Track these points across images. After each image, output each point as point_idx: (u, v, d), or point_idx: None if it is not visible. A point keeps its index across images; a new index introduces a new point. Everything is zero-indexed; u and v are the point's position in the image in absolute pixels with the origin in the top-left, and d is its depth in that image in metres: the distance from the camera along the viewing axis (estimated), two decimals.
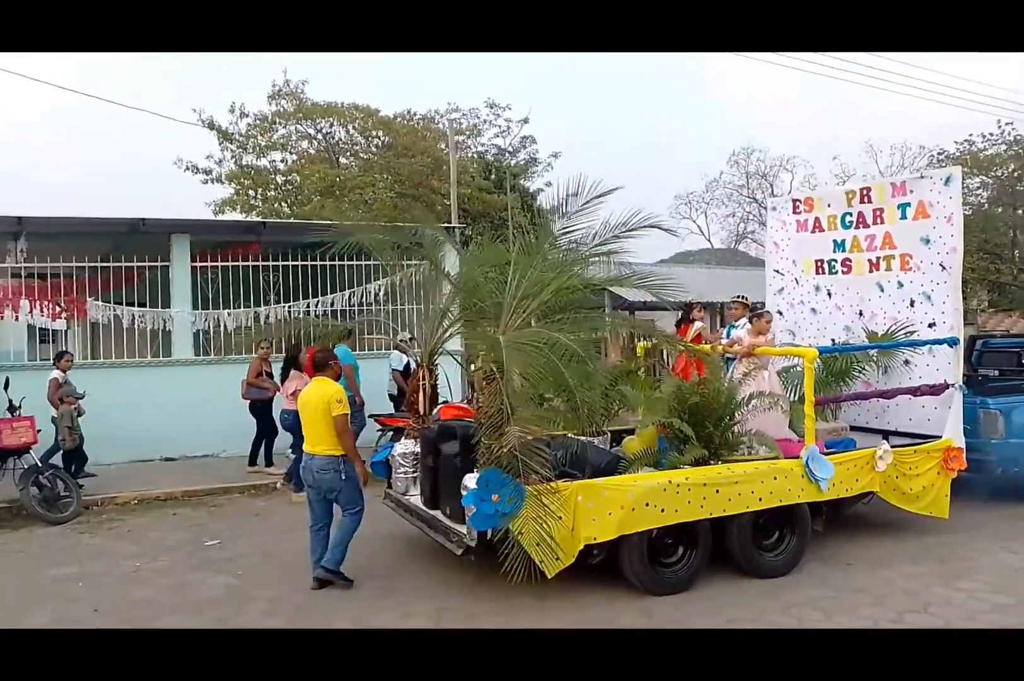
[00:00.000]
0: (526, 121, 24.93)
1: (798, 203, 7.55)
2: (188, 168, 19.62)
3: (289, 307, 10.24)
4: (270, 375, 8.31)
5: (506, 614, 4.40)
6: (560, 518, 4.26)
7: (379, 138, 21.88)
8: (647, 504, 4.57)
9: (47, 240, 9.42)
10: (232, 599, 4.75)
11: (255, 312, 10.10)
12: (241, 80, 43.55)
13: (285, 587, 4.93)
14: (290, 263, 10.15)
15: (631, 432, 5.86)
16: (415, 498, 5.50)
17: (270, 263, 10.23)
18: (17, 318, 9.27)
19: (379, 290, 10.59)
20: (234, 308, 10.07)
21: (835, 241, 7.14)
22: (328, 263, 10.26)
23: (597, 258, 5.67)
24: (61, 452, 7.38)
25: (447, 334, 6.05)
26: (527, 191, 23.50)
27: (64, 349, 7.87)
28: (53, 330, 10.89)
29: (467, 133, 23.76)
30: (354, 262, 10.37)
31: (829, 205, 7.19)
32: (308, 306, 10.34)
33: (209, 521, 6.66)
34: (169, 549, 5.81)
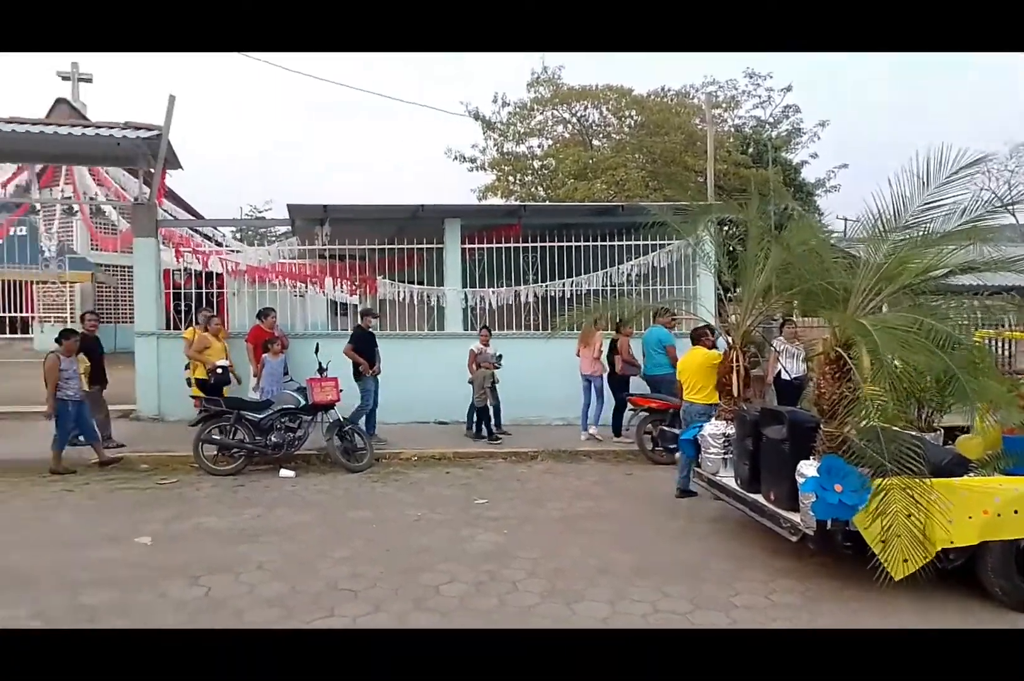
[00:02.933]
0: (788, 89, 23.22)
1: None
2: (456, 157, 21.13)
3: (546, 286, 10.69)
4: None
5: (804, 607, 4.25)
6: (910, 516, 4.00)
7: (632, 118, 21.75)
8: (1016, 511, 4.15)
9: (345, 225, 10.77)
10: (498, 556, 5.12)
11: (515, 291, 10.69)
12: (505, 73, 45.75)
13: (545, 551, 5.21)
14: (547, 244, 10.55)
15: (961, 430, 5.31)
16: (728, 479, 5.58)
17: (529, 244, 10.71)
18: (324, 293, 10.77)
19: (632, 270, 10.63)
20: (497, 287, 10.75)
21: None
22: (583, 244, 10.52)
23: (968, 238, 4.96)
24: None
25: (760, 315, 5.99)
26: (789, 164, 21.95)
27: (484, 325, 9.19)
28: (347, 304, 12.46)
29: (724, 106, 22.74)
30: (607, 243, 10.51)
31: None
32: (563, 286, 10.71)
33: (477, 482, 7.24)
34: (444, 503, 6.42)
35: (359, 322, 8.91)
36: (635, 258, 10.67)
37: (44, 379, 7.31)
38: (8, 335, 14.08)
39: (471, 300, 10.58)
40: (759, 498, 5.08)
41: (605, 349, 9.09)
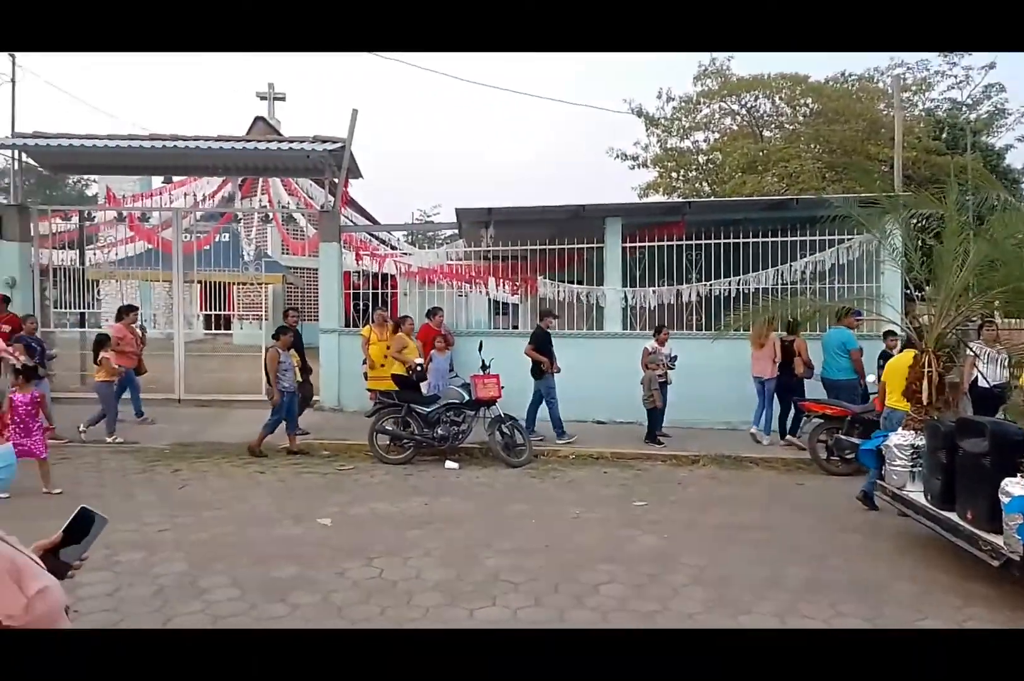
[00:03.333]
0: (991, 67, 20.84)
1: None
2: (618, 156, 20.98)
3: (711, 285, 10.34)
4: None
5: None
6: None
7: (807, 106, 20.51)
8: None
9: (508, 227, 11.04)
10: (659, 560, 5.02)
11: (677, 290, 10.44)
12: (670, 69, 44.79)
13: (710, 557, 5.04)
14: (712, 241, 10.20)
15: None
16: (915, 495, 5.22)
17: (692, 242, 10.41)
18: (487, 293, 11.11)
19: (807, 267, 10.01)
20: (658, 286, 10.54)
21: None
22: (752, 240, 10.05)
23: None
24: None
25: (958, 317, 5.47)
26: (991, 149, 19.70)
27: (662, 324, 9.18)
28: (507, 303, 12.78)
29: (913, 88, 20.82)
30: (779, 238, 9.97)
31: None
32: (730, 284, 10.30)
33: (636, 483, 7.15)
34: (602, 503, 6.40)
35: (539, 322, 9.05)
36: (809, 254, 10.05)
37: (265, 371, 8.09)
38: (212, 331, 15.79)
39: (631, 299, 10.46)
40: (953, 516, 4.68)
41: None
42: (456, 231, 15.60)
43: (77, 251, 12.54)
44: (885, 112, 19.14)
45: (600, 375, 9.46)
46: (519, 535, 5.51)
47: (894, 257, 6.54)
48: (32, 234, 10.68)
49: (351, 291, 11.53)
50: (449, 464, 7.72)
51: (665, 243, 10.36)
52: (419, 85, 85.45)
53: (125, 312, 9.49)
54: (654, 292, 10.47)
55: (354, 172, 11.12)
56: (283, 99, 20.82)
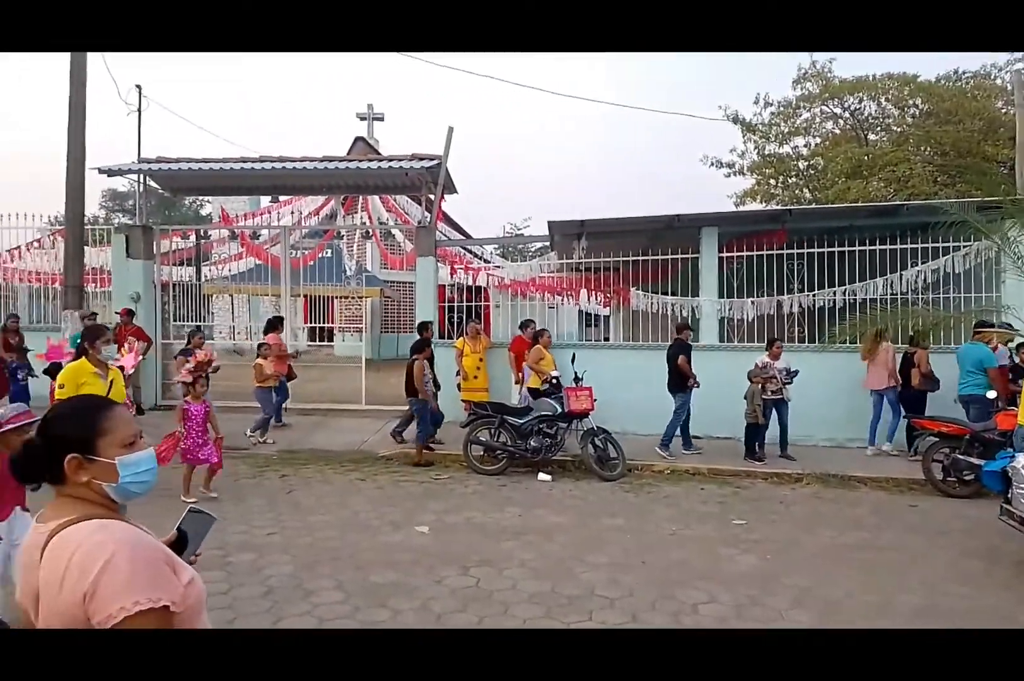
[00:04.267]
0: None
1: None
2: (713, 163, 20.58)
3: (814, 295, 9.96)
4: None
5: None
6: None
7: (916, 107, 19.50)
8: None
9: (600, 238, 11.02)
10: (760, 580, 4.85)
11: (777, 301, 10.11)
12: (767, 73, 43.69)
13: (815, 579, 4.84)
14: (815, 250, 9.83)
15: None
16: None
17: (794, 251, 10.06)
18: (578, 305, 11.12)
19: (918, 277, 9.49)
20: (756, 297, 10.25)
21: None
22: (858, 248, 9.62)
23: None
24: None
25: None
26: None
27: (774, 337, 8.91)
28: (598, 315, 12.76)
29: None
30: (888, 246, 9.50)
31: None
32: (834, 294, 9.89)
33: (735, 501, 6.95)
34: (700, 520, 6.26)
35: (678, 335, 8.91)
36: (920, 263, 9.52)
37: (413, 382, 8.35)
38: (316, 343, 16.49)
39: (727, 311, 10.21)
40: None
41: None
42: (547, 244, 15.71)
43: (193, 267, 13.43)
44: (1004, 110, 17.96)
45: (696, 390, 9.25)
46: (613, 550, 5.46)
47: (1018, 265, 6.12)
48: (154, 252, 11.49)
49: (445, 304, 11.80)
50: (542, 476, 7.74)
51: (764, 252, 10.07)
52: (509, 99, 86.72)
53: (276, 323, 10.19)
54: (752, 303, 10.18)
55: (449, 188, 11.40)
56: (381, 119, 21.62)
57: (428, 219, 11.22)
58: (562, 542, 5.61)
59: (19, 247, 11.84)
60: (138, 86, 17.77)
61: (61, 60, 9.82)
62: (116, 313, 10.69)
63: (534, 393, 8.72)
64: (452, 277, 12.21)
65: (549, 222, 11.02)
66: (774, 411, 8.45)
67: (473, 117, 73.27)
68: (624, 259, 10.56)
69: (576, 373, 8.39)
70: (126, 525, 1.47)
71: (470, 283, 12.20)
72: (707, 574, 4.96)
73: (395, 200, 18.21)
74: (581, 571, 4.98)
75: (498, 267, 14.61)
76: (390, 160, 10.96)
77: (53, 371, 7.61)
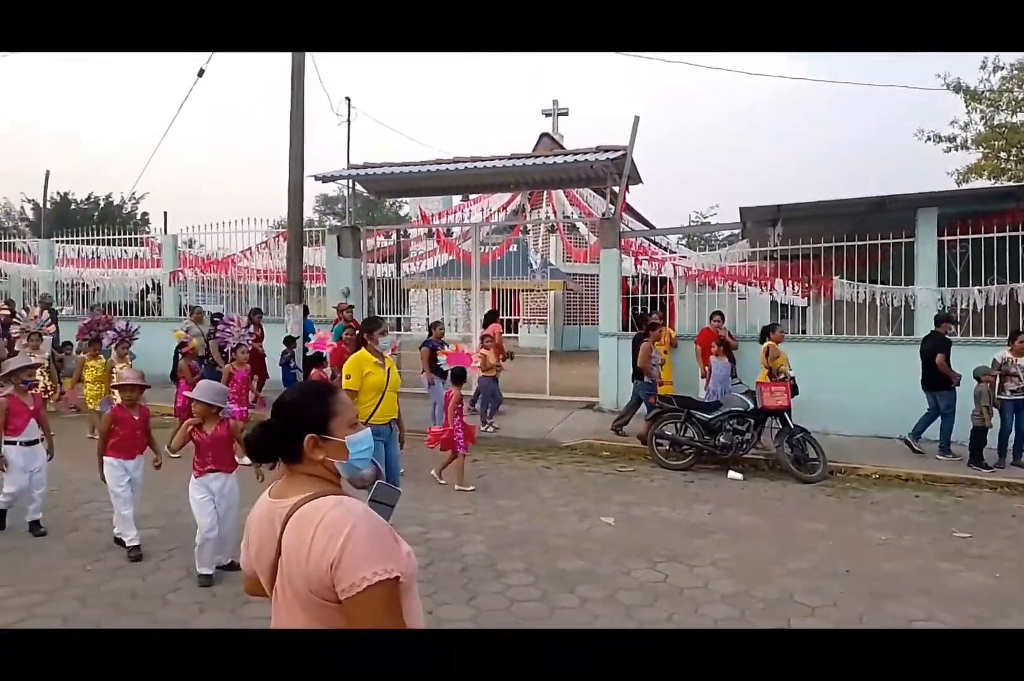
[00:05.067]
0: None
1: None
2: (930, 138, 18.55)
3: None
4: None
5: None
6: None
7: None
8: None
9: (798, 224, 10.32)
10: (989, 601, 4.33)
11: (1011, 289, 8.91)
12: None
13: None
14: None
15: None
16: None
17: None
18: (771, 295, 10.52)
19: None
20: (985, 284, 9.11)
21: None
22: None
23: None
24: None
25: None
26: None
27: (1017, 329, 8.14)
28: (793, 306, 11.96)
29: None
30: None
31: None
32: None
33: (956, 511, 6.25)
34: (915, 530, 5.69)
35: (936, 328, 8.24)
36: None
37: (635, 364, 8.85)
38: (504, 334, 17.07)
39: (948, 300, 9.16)
40: None
41: None
42: (736, 231, 15.00)
43: (394, 264, 14.40)
44: None
45: (908, 386, 8.42)
46: (813, 555, 5.13)
47: None
48: (361, 251, 12.47)
49: (627, 296, 11.69)
50: (732, 474, 7.44)
51: (995, 235, 8.91)
52: (696, 82, 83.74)
53: (494, 316, 10.97)
54: (980, 291, 9.06)
55: (634, 178, 11.25)
56: (566, 114, 21.79)
57: (612, 211, 11.16)
58: (756, 543, 5.36)
59: (249, 248, 13.37)
60: (347, 98, 19.37)
61: (282, 79, 10.95)
62: (333, 308, 11.67)
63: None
64: (636, 268, 12.04)
65: (741, 208, 10.52)
66: (1013, 414, 7.49)
67: (658, 105, 71.69)
68: (825, 245, 9.83)
69: (771, 369, 7.96)
70: (357, 500, 1.61)
71: (654, 274, 11.99)
72: (923, 589, 4.51)
73: (579, 193, 18.30)
74: (778, 575, 4.73)
75: (684, 257, 14.20)
76: (575, 154, 11.03)
77: (313, 360, 8.52)
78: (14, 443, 5.25)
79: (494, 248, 14.71)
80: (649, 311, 11.00)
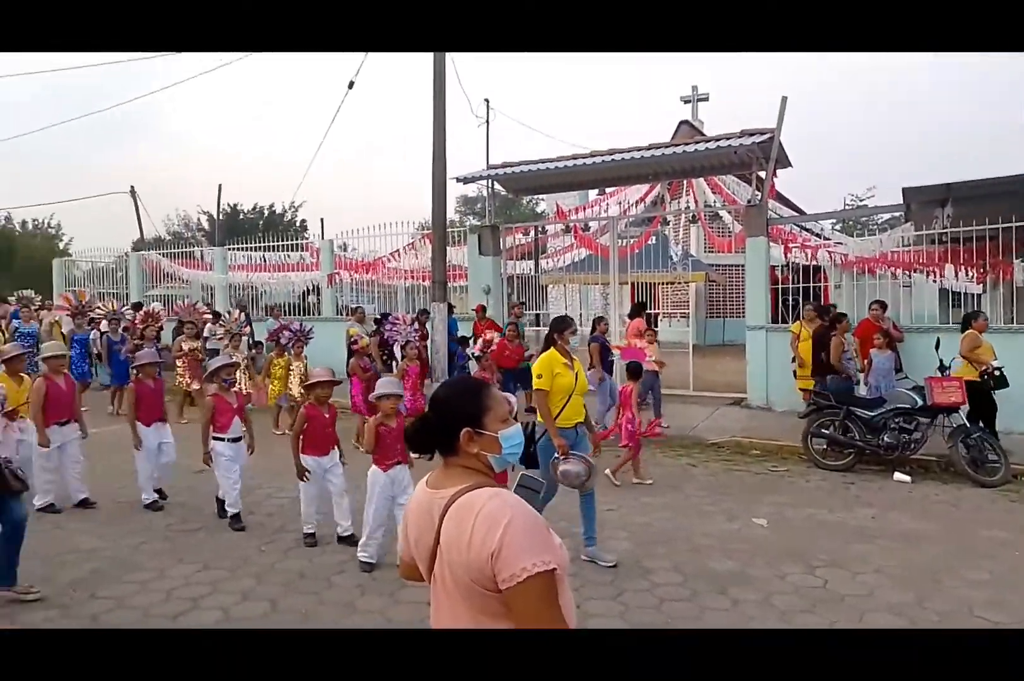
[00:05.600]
0: None
1: None
2: None
3: None
4: None
5: None
6: None
7: None
8: None
9: (970, 203, 9.38)
10: None
11: None
12: None
13: None
14: None
15: None
16: None
17: None
18: (940, 282, 9.65)
19: None
20: None
21: None
22: None
23: None
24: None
25: None
26: None
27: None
28: (966, 294, 10.89)
29: None
30: None
31: None
32: None
33: None
34: None
35: None
36: None
37: (835, 363, 8.11)
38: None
39: None
40: None
41: None
42: (897, 214, 13.85)
43: (532, 261, 14.58)
44: None
45: None
46: (995, 566, 4.66)
47: None
48: (501, 248, 12.72)
49: (777, 286, 11.13)
50: (899, 476, 6.91)
51: None
52: (848, 63, 78.12)
53: (640, 309, 10.67)
54: None
55: (783, 162, 10.69)
56: (706, 100, 21.09)
57: (758, 197, 10.67)
58: (927, 551, 4.96)
59: (397, 250, 14.03)
60: (486, 100, 19.82)
61: (423, 84, 11.42)
62: (472, 310, 12.02)
63: (970, 387, 7.04)
64: (785, 257, 11.46)
65: (904, 189, 9.72)
66: None
67: (806, 86, 67.65)
68: (1004, 226, 8.88)
69: (941, 361, 7.29)
70: (512, 492, 1.65)
71: (806, 262, 11.34)
72: None
73: (721, 181, 17.65)
74: (953, 586, 4.35)
75: (839, 243, 13.34)
76: (718, 139, 10.63)
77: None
78: (221, 439, 5.60)
79: (632, 241, 14.52)
80: (801, 302, 10.43)
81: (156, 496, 6.11)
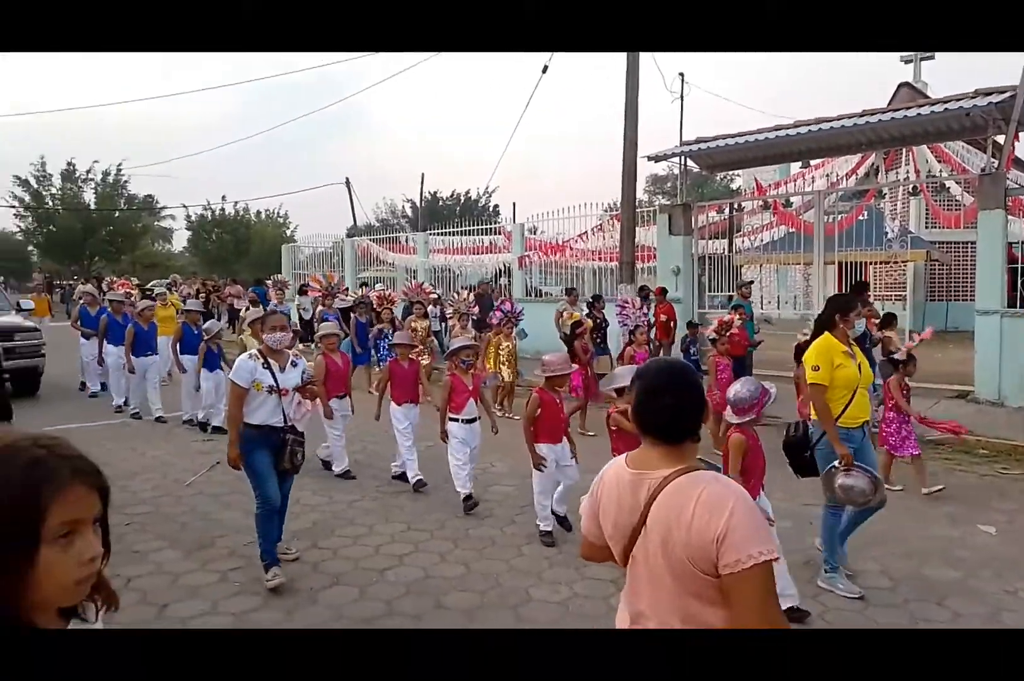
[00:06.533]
0: None
1: None
2: None
3: None
4: None
5: None
6: None
7: None
8: None
9: None
10: None
11: None
12: None
13: None
14: None
15: None
16: None
17: None
18: None
19: None
20: None
21: None
22: None
23: None
24: None
25: None
26: None
27: None
28: None
29: None
30: None
31: None
32: None
33: None
34: None
35: None
36: None
37: None
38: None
39: None
40: None
41: None
42: None
43: (726, 240, 13.95)
44: None
45: None
46: None
47: None
48: (692, 227, 12.30)
49: (1016, 265, 9.75)
50: None
51: None
52: None
53: (864, 288, 9.28)
54: None
55: None
56: (931, 58, 18.82)
57: (995, 165, 9.37)
58: None
59: (585, 232, 14.07)
60: (681, 74, 19.18)
61: (617, 63, 11.27)
62: (652, 294, 11.65)
63: None
64: None
65: None
66: None
67: None
68: None
69: None
70: (730, 479, 1.63)
71: None
72: None
73: (948, 147, 15.71)
74: None
75: None
76: (945, 102, 9.46)
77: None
78: (456, 420, 5.53)
79: (841, 217, 13.38)
80: None
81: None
